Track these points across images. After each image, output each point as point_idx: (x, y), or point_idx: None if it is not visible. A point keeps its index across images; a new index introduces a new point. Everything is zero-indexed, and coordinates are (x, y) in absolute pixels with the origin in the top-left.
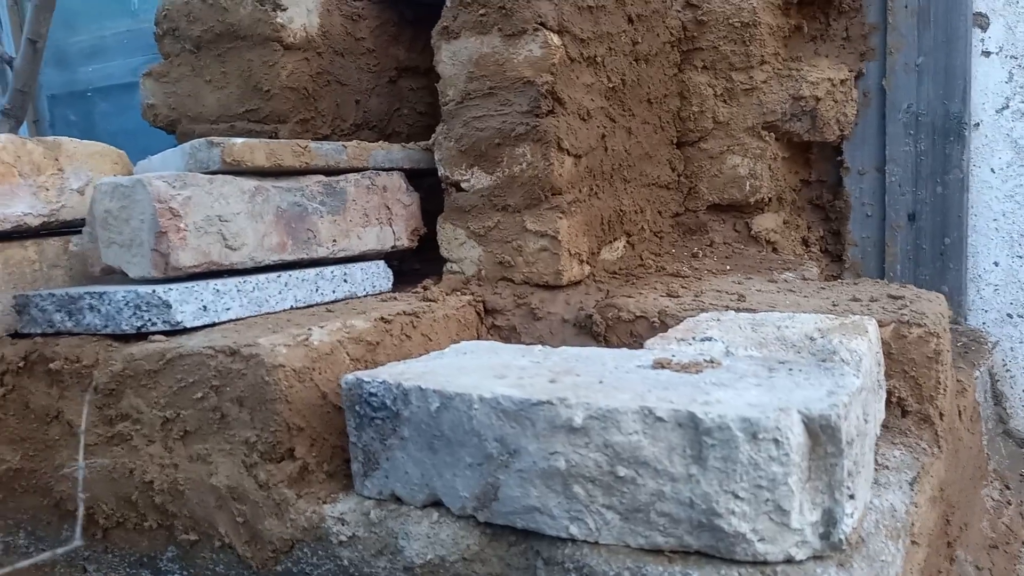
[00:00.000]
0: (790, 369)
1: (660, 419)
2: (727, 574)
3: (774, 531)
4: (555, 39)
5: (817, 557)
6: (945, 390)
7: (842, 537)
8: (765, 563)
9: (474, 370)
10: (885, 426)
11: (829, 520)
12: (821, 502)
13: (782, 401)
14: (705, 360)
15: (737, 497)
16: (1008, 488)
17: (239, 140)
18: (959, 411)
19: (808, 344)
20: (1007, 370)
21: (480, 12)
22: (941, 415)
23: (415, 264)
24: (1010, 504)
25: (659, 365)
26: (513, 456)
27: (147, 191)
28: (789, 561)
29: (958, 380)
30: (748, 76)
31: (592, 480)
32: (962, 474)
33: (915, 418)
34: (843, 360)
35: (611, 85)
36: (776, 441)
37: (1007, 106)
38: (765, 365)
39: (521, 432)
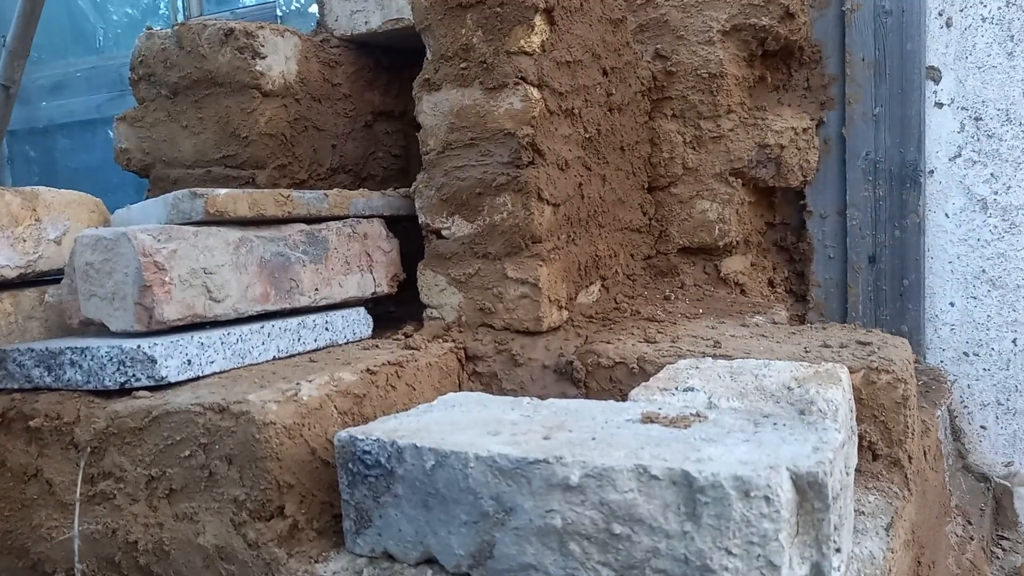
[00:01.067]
0: (775, 424)
1: (655, 477)
2: None
3: None
4: (535, 92)
5: None
6: (913, 433)
7: None
8: None
9: (467, 426)
10: (858, 470)
11: (817, 574)
12: (809, 556)
13: (771, 458)
14: (692, 414)
15: (730, 553)
16: (970, 523)
17: (223, 191)
18: (924, 451)
19: (786, 394)
20: (964, 407)
21: (462, 66)
22: (910, 458)
23: (390, 307)
24: (972, 539)
25: (648, 419)
26: (509, 514)
27: (131, 245)
28: None
29: (922, 420)
30: (716, 124)
31: (588, 537)
32: (929, 514)
33: (885, 462)
34: (820, 411)
35: (587, 135)
36: (767, 499)
37: (959, 155)
38: (750, 419)
39: (517, 490)
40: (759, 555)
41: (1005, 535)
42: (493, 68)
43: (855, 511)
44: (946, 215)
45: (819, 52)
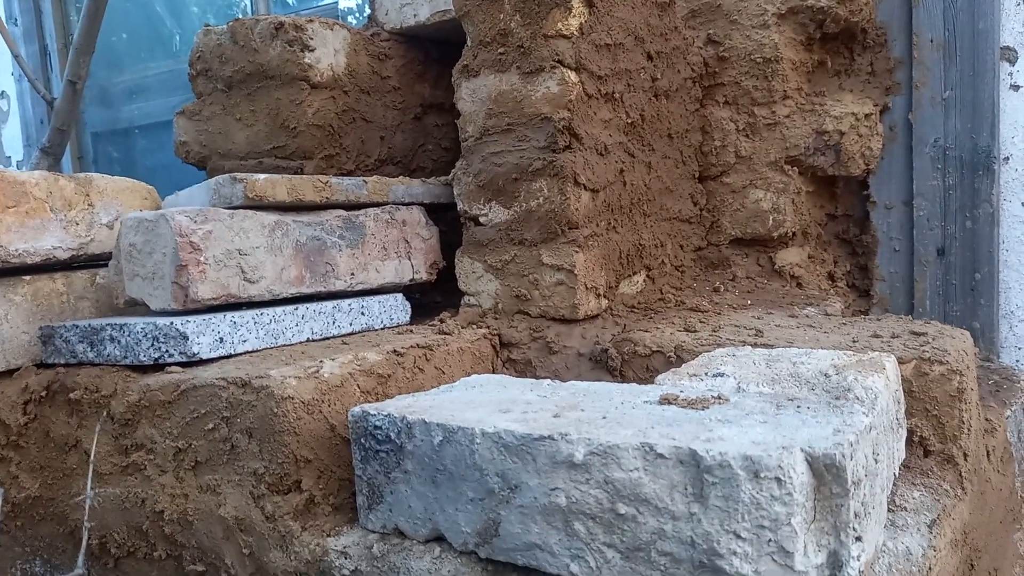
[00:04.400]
0: (798, 407)
1: (661, 456)
2: None
3: (777, 573)
4: (572, 76)
5: None
6: (969, 429)
7: None
8: None
9: (480, 404)
10: (906, 466)
11: (835, 563)
12: (827, 544)
13: (786, 439)
14: (713, 396)
15: (739, 537)
16: None
17: (262, 176)
18: (987, 451)
19: (823, 381)
20: None
21: (499, 51)
22: (965, 455)
23: (436, 297)
24: None
25: (665, 401)
26: (514, 491)
27: (169, 225)
28: None
29: (987, 419)
30: (771, 111)
31: (593, 517)
32: (991, 517)
33: (937, 458)
34: (857, 398)
35: (630, 121)
36: (779, 480)
37: None
38: (773, 402)
39: (522, 467)
40: (770, 540)
41: None
42: (530, 52)
43: (898, 507)
44: (1022, 204)
45: (884, 34)
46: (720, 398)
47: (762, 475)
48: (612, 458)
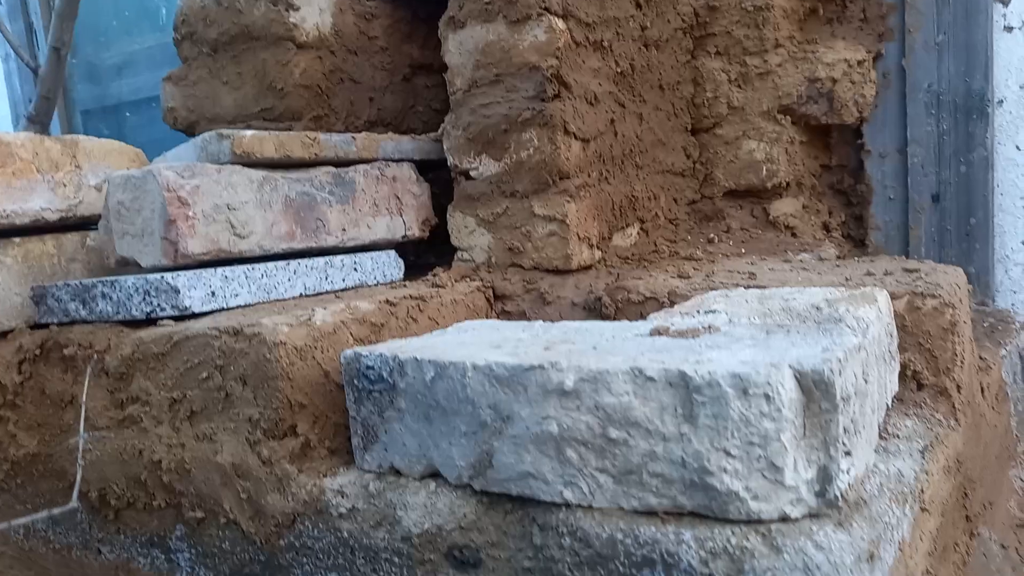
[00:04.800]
0: (788, 331)
1: (650, 379)
2: (720, 533)
3: (768, 489)
4: (559, 23)
5: (813, 515)
6: (963, 362)
7: (838, 494)
8: (760, 521)
9: (472, 344)
10: (899, 399)
11: (824, 477)
12: (816, 459)
13: (774, 358)
14: (703, 327)
15: (729, 455)
16: None
17: (248, 132)
18: (982, 388)
19: (814, 313)
20: None
21: (485, 0)
22: (959, 388)
23: (430, 258)
24: None
25: (656, 333)
26: (506, 422)
27: (157, 181)
28: (784, 519)
29: (982, 357)
30: (762, 60)
31: (584, 443)
32: (985, 451)
33: (931, 391)
34: (849, 327)
35: (619, 70)
36: (767, 396)
37: None
38: (763, 329)
39: (514, 398)
40: (760, 456)
41: None
42: (516, 1)
43: (890, 435)
44: (1017, 147)
45: None
46: (711, 328)
47: (751, 392)
48: (602, 383)
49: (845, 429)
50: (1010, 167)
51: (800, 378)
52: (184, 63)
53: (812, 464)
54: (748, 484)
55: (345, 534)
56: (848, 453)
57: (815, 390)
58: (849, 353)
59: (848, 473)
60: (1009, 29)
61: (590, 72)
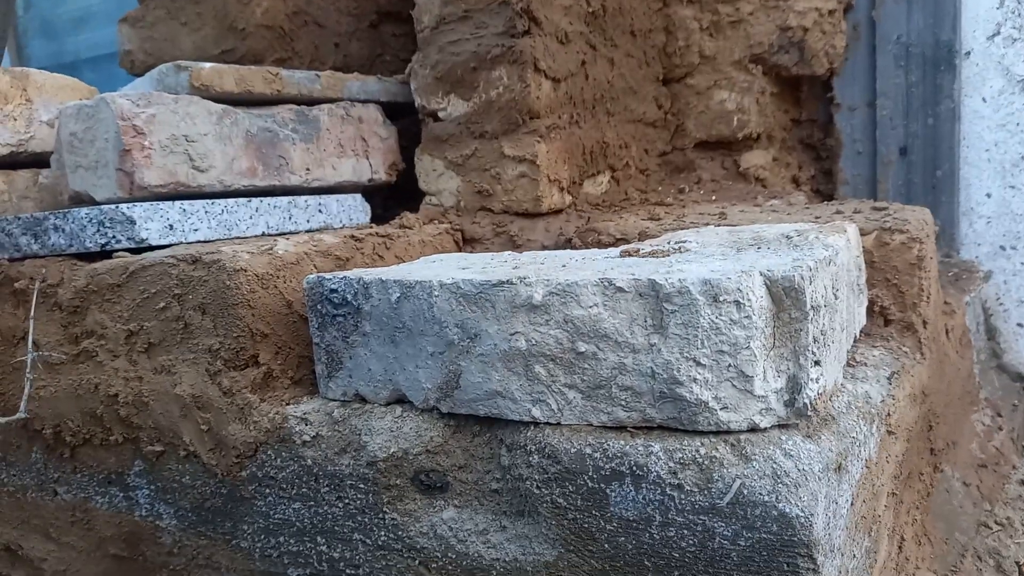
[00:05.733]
0: (758, 248)
1: (620, 289)
2: (690, 444)
3: (737, 398)
4: None
5: (783, 426)
6: (928, 298)
7: (807, 403)
8: (728, 432)
9: (439, 268)
10: (867, 334)
11: (794, 387)
12: (786, 369)
13: (745, 266)
14: (673, 248)
15: (699, 364)
16: (1000, 416)
17: (208, 64)
18: (946, 330)
19: (784, 241)
20: (1000, 304)
21: None
22: (924, 323)
23: (397, 209)
24: (1001, 429)
25: (626, 254)
26: (474, 340)
27: (111, 109)
28: (753, 429)
29: (946, 302)
30: (734, 8)
31: (553, 359)
32: (948, 390)
33: (898, 326)
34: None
35: (591, 10)
36: (738, 303)
37: (998, 32)
38: (734, 247)
39: (481, 315)
40: (730, 365)
41: None
42: None
43: (858, 363)
44: (983, 99)
45: None
46: (681, 248)
47: (721, 299)
48: (571, 296)
49: (815, 339)
50: (976, 119)
51: (770, 285)
52: (141, 3)
53: (781, 374)
54: (718, 394)
55: (309, 462)
56: (818, 363)
57: (785, 297)
58: (819, 264)
59: (817, 382)
60: None
61: (561, 9)
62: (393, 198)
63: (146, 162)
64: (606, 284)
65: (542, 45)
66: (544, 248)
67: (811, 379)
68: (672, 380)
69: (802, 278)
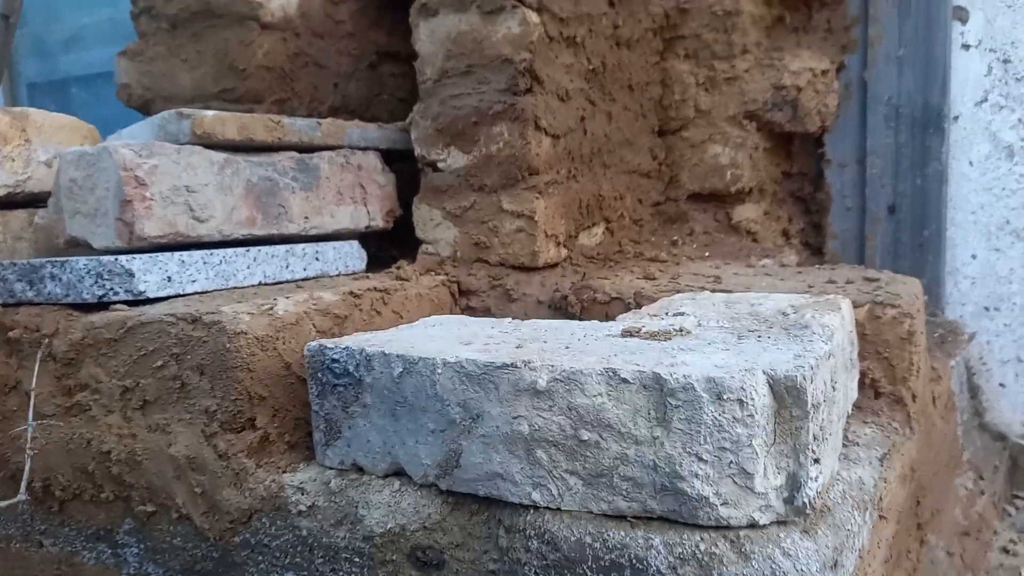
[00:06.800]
0: (759, 336)
1: (624, 380)
2: (689, 539)
3: (738, 495)
4: (534, 16)
5: (781, 522)
6: (918, 372)
7: (806, 501)
8: (728, 527)
9: (441, 338)
10: (858, 407)
11: (793, 484)
12: (786, 466)
13: (748, 363)
14: (675, 330)
15: (701, 460)
16: (982, 479)
17: (210, 112)
18: (933, 398)
19: (780, 319)
20: (983, 363)
21: None
22: (914, 397)
23: (392, 251)
24: (983, 494)
25: (628, 333)
26: (476, 421)
27: (113, 159)
28: (753, 526)
29: (933, 367)
30: (730, 65)
31: (555, 444)
32: (935, 459)
33: (888, 399)
34: (816, 334)
35: (591, 67)
36: (741, 402)
37: (986, 99)
38: (735, 333)
39: (484, 396)
40: (731, 462)
41: (1020, 494)
42: None
43: (851, 442)
44: (970, 163)
45: None
46: (682, 331)
47: (725, 397)
48: (576, 384)
49: (815, 436)
50: (963, 182)
51: (773, 383)
52: (141, 38)
53: (781, 471)
54: (719, 489)
55: (304, 532)
56: (817, 460)
57: (787, 396)
58: (820, 360)
59: (816, 481)
60: (967, 47)
61: (562, 68)
62: (387, 238)
63: (147, 213)
64: (611, 374)
65: (543, 103)
66: (539, 302)
67: (810, 477)
68: (674, 474)
69: (804, 377)
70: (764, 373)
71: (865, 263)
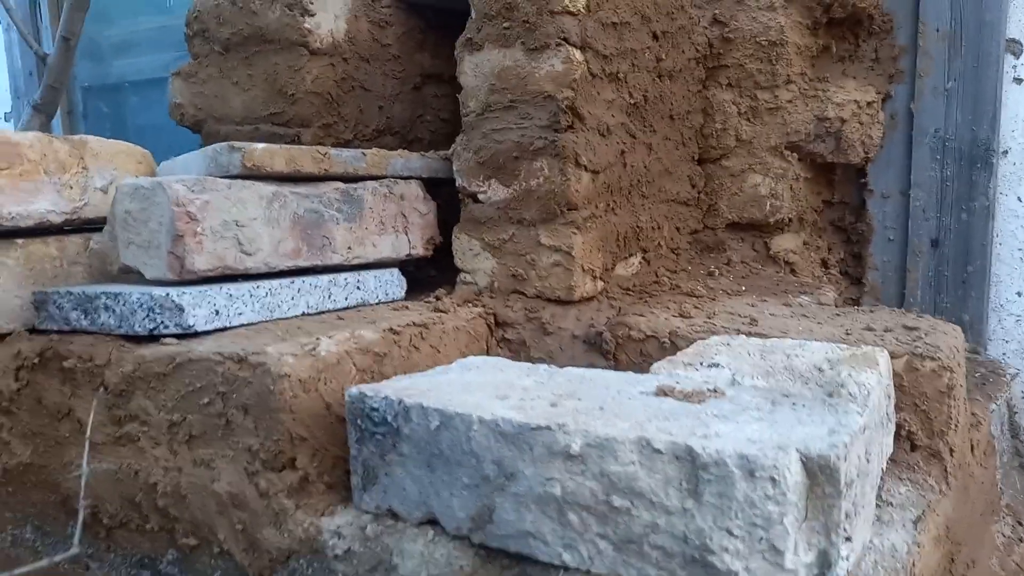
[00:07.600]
0: (793, 404)
1: (657, 451)
2: None
3: (767, 570)
4: (577, 55)
5: None
6: (956, 426)
7: None
8: None
9: (477, 388)
10: (893, 460)
11: (824, 562)
12: (817, 543)
13: (782, 438)
14: (708, 389)
15: (731, 534)
16: (1021, 524)
17: (260, 145)
18: (972, 445)
19: (816, 375)
20: None
21: (504, 25)
22: (951, 451)
23: (431, 271)
24: (1022, 541)
25: (662, 392)
26: (510, 479)
27: (166, 194)
28: None
29: (972, 413)
30: (773, 95)
31: (587, 508)
32: (971, 510)
33: (924, 453)
34: (851, 394)
35: (633, 101)
36: (773, 480)
37: None
38: (769, 398)
39: (519, 456)
40: (762, 538)
41: None
42: (535, 28)
43: (884, 502)
44: (1019, 199)
45: (890, 21)
46: (716, 391)
47: (757, 474)
48: (608, 451)
49: (847, 514)
50: (1010, 218)
51: (806, 462)
52: (194, 59)
53: (812, 548)
54: (748, 565)
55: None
56: (848, 539)
57: (820, 474)
58: (855, 436)
59: (847, 560)
60: (1019, 81)
61: (604, 104)
62: (427, 258)
63: (197, 248)
64: (643, 444)
65: (584, 140)
66: (574, 337)
67: (842, 556)
68: (704, 548)
69: (838, 457)
70: (797, 451)
71: (905, 296)
